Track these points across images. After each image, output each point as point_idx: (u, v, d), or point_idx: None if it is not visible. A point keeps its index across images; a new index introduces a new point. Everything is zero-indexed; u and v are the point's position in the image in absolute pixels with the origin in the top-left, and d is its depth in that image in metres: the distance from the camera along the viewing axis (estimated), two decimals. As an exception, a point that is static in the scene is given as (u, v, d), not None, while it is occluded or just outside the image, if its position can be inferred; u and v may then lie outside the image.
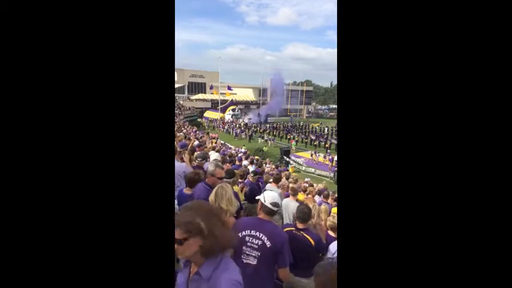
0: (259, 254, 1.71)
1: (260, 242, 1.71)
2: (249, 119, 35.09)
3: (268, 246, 1.71)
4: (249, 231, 1.74)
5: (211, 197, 1.86)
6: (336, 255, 2.26)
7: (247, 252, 1.73)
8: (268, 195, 1.84)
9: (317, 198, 5.85)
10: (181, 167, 3.26)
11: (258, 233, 1.73)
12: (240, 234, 1.74)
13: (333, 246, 2.38)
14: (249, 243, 1.73)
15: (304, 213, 2.30)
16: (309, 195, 5.38)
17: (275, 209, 1.80)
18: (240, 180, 4.38)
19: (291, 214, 3.53)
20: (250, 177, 4.39)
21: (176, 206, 2.48)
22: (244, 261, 1.72)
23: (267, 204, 1.80)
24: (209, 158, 3.97)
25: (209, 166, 2.43)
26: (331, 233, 2.77)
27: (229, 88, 36.71)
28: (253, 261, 1.71)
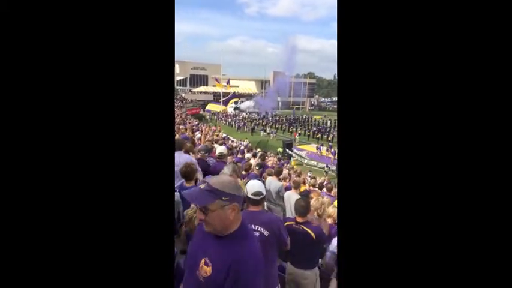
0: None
1: (257, 234, 1.75)
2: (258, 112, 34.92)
3: (266, 235, 1.75)
4: None
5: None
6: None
7: None
8: (249, 186, 1.83)
9: (319, 191, 5.87)
10: (185, 159, 3.26)
11: (253, 226, 1.76)
12: None
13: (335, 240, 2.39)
14: None
15: (301, 207, 2.30)
16: (316, 189, 5.41)
17: (258, 197, 1.80)
18: (244, 173, 4.41)
19: (293, 207, 3.55)
20: (255, 170, 4.48)
21: (178, 199, 2.49)
22: None
23: (249, 195, 1.80)
24: (213, 150, 3.97)
25: (225, 168, 2.33)
26: (329, 220, 2.79)
27: (228, 82, 36.61)
28: None
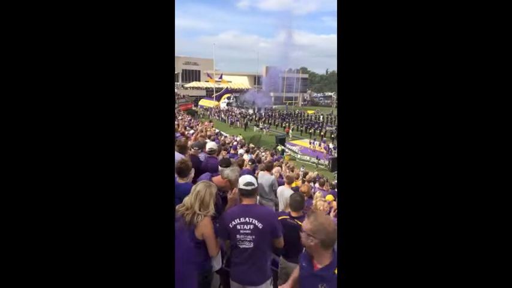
0: (253, 237, 1.79)
1: (252, 226, 1.79)
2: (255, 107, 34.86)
3: (260, 227, 1.79)
4: (238, 219, 1.80)
5: (191, 198, 1.82)
6: None
7: (241, 239, 1.80)
8: (241, 179, 1.92)
9: (311, 185, 5.93)
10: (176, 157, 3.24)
11: (247, 219, 1.80)
12: (230, 224, 1.80)
13: None
14: (241, 231, 1.79)
15: (296, 202, 2.32)
16: (306, 183, 5.46)
17: (249, 187, 1.86)
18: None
19: (285, 202, 3.58)
20: (248, 166, 4.50)
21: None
22: (241, 246, 1.81)
23: (241, 186, 1.86)
24: (205, 147, 3.95)
25: (230, 172, 2.28)
26: None
27: (220, 77, 36.43)
28: (250, 245, 1.80)
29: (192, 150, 3.61)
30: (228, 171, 2.26)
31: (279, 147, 17.91)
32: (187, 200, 1.82)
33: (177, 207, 1.84)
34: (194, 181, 2.59)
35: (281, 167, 6.18)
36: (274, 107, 38.19)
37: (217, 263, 1.96)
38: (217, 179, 2.30)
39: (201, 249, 1.83)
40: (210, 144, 3.63)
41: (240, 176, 2.26)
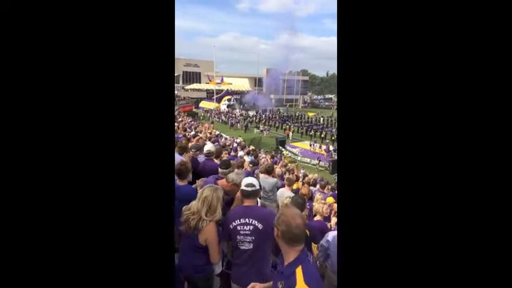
0: (253, 238, 1.79)
1: (252, 227, 1.79)
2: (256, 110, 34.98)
3: (260, 228, 1.79)
4: (238, 220, 1.80)
5: (198, 203, 1.82)
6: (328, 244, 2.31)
7: (241, 239, 1.80)
8: (244, 181, 1.92)
9: (312, 188, 5.92)
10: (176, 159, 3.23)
11: (247, 220, 1.80)
12: (231, 225, 1.81)
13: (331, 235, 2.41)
14: (241, 232, 1.80)
15: (298, 204, 2.33)
16: (305, 185, 5.45)
17: (250, 189, 1.86)
18: (237, 170, 4.41)
19: (281, 203, 3.57)
20: (248, 168, 4.50)
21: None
22: (241, 248, 1.81)
23: (243, 188, 1.87)
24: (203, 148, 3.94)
25: (235, 176, 2.21)
26: (317, 218, 2.83)
27: (221, 79, 36.70)
28: (249, 246, 1.80)
29: (191, 152, 3.60)
30: (233, 175, 2.25)
31: (284, 152, 17.87)
32: (194, 204, 1.83)
33: (183, 209, 1.84)
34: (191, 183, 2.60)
35: (285, 173, 6.15)
36: (281, 109, 38.40)
37: (218, 267, 1.95)
38: (222, 182, 2.29)
39: (203, 254, 1.83)
40: (208, 146, 3.63)
41: (242, 178, 2.25)
